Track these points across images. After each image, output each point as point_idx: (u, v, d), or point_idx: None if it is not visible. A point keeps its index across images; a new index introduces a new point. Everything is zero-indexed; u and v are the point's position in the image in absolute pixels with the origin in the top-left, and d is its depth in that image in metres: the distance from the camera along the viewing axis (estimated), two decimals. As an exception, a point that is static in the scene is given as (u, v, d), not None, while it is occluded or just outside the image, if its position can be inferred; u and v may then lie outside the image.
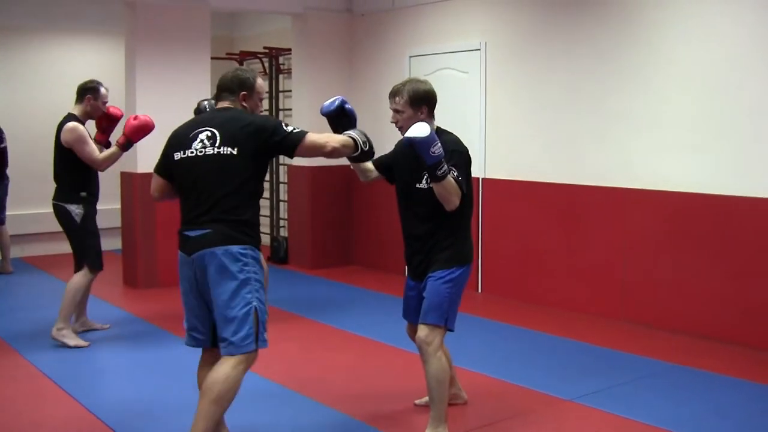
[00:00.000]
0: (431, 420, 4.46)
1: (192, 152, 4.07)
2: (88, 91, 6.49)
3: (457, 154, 4.44)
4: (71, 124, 6.32)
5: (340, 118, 4.44)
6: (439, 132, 4.53)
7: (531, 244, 7.93)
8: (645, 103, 6.92)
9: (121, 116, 6.79)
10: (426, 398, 4.94)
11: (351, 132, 4.30)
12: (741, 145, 6.32)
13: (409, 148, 4.25)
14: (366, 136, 4.32)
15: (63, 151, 6.35)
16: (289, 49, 10.25)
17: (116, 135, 6.50)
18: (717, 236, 6.49)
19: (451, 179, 4.29)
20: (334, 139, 4.21)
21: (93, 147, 6.36)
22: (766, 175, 6.18)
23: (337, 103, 4.43)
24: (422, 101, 4.50)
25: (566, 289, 7.60)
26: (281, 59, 11.08)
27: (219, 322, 3.99)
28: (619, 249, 7.15)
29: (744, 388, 5.44)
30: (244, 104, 4.19)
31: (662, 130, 6.81)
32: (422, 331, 4.44)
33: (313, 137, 4.11)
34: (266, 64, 11.26)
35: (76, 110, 6.48)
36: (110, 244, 10.37)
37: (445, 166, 4.24)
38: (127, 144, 6.32)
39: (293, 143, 4.05)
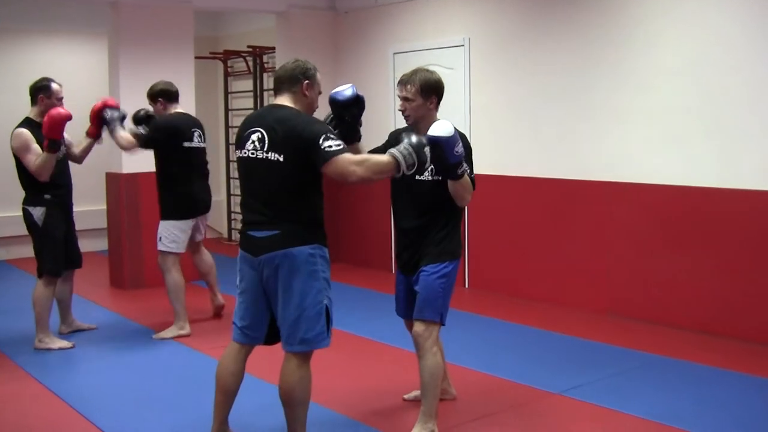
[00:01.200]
0: (421, 415, 4.46)
1: (245, 153, 4.05)
2: (40, 90, 6.33)
3: (466, 149, 4.41)
4: (18, 130, 6.22)
5: (351, 108, 4.44)
6: None
7: (518, 239, 7.95)
8: (630, 97, 6.94)
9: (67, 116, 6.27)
10: (415, 393, 4.96)
11: (396, 150, 3.99)
12: (727, 137, 6.34)
13: (433, 146, 4.11)
14: (413, 147, 4.01)
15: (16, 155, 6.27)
16: (273, 48, 10.24)
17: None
18: (704, 229, 6.51)
19: (467, 177, 4.31)
20: (365, 167, 3.91)
21: (33, 156, 6.16)
22: (752, 168, 6.21)
23: (350, 92, 4.41)
24: (432, 91, 4.47)
25: (553, 283, 7.62)
26: (265, 58, 11.08)
27: (288, 322, 4.03)
28: (606, 243, 7.18)
29: (730, 379, 5.47)
30: (306, 94, 4.10)
31: (648, 124, 6.83)
32: (418, 326, 4.45)
33: (341, 163, 3.86)
34: (250, 63, 11.25)
35: (32, 113, 6.35)
36: (96, 245, 10.37)
37: (465, 165, 4.24)
38: (51, 144, 6.07)
39: (322, 160, 3.87)
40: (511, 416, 4.87)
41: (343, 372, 5.78)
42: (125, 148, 6.58)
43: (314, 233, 4.05)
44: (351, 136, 4.52)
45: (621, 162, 7.03)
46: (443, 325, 4.53)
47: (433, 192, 4.43)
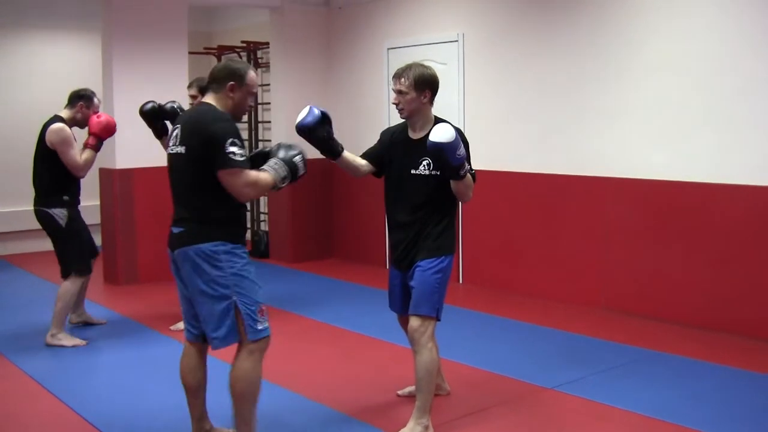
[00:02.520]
0: (416, 410, 4.45)
1: (170, 149, 4.06)
2: (82, 98, 6.41)
3: (464, 145, 4.40)
4: (58, 125, 6.24)
5: (323, 127, 4.41)
6: (437, 121, 4.54)
7: (511, 235, 7.96)
8: (622, 93, 6.95)
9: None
10: (409, 389, 4.97)
11: (271, 167, 4.03)
12: (717, 132, 6.36)
13: (433, 150, 4.17)
14: (284, 161, 4.07)
15: (46, 152, 6.25)
16: (267, 43, 10.23)
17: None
18: (694, 224, 6.53)
19: (470, 175, 4.33)
20: (256, 191, 3.98)
21: (77, 151, 6.28)
22: (742, 162, 6.23)
23: (317, 112, 4.40)
24: (426, 85, 4.46)
25: (547, 278, 7.63)
26: (259, 53, 11.06)
27: (201, 319, 4.02)
28: (598, 238, 7.19)
29: (722, 374, 5.49)
30: (231, 95, 4.01)
31: (641, 119, 6.84)
32: (415, 321, 4.45)
33: (240, 180, 3.84)
34: (244, 58, 11.23)
35: (64, 114, 6.40)
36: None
37: (467, 165, 4.25)
38: (99, 144, 6.36)
39: (222, 164, 3.82)
40: (505, 411, 4.88)
41: (337, 367, 5.78)
42: None
43: (219, 230, 3.93)
44: (334, 151, 4.52)
45: (614, 157, 7.04)
46: (439, 320, 4.53)
47: (430, 187, 4.43)
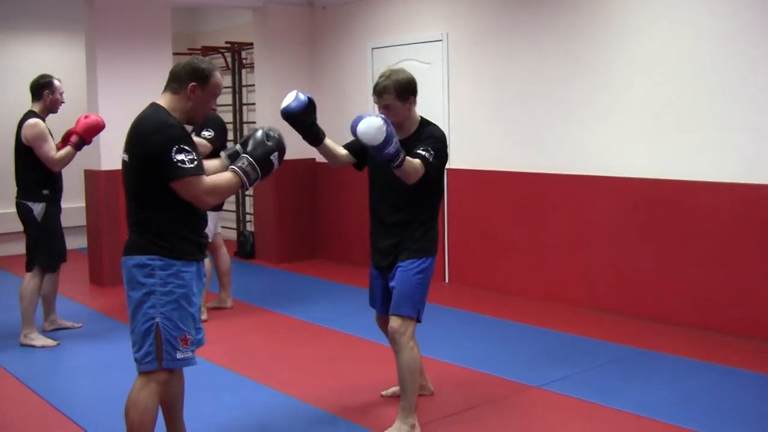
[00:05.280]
0: (401, 410, 4.47)
1: (122, 155, 3.84)
2: (45, 87, 6.40)
3: (433, 139, 4.43)
4: (32, 120, 6.25)
5: (308, 113, 4.34)
6: (422, 123, 4.57)
7: (497, 234, 7.98)
8: (606, 92, 6.98)
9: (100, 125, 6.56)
10: (393, 389, 4.97)
11: (238, 167, 3.71)
12: (701, 131, 6.39)
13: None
14: (256, 161, 3.74)
15: (23, 148, 6.27)
16: (252, 44, 10.23)
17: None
18: (681, 222, 6.55)
19: (409, 159, 4.21)
20: (217, 196, 3.69)
21: (51, 146, 6.26)
22: (726, 161, 6.26)
23: (304, 97, 4.32)
24: (408, 92, 4.46)
25: (532, 277, 7.66)
26: (243, 54, 11.05)
27: (130, 333, 3.76)
28: (583, 236, 7.22)
29: (707, 371, 5.52)
30: (191, 97, 3.70)
31: (623, 118, 6.87)
32: (395, 322, 4.45)
33: (195, 188, 3.58)
34: (228, 59, 11.22)
35: (35, 108, 6.39)
36: (75, 242, 10.29)
37: (401, 155, 4.12)
38: (80, 143, 6.32)
39: (172, 174, 3.54)
40: (490, 410, 4.89)
41: (323, 367, 5.79)
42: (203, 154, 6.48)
43: (158, 243, 3.65)
44: (317, 137, 4.46)
45: (598, 156, 7.06)
46: (419, 321, 4.54)
47: (411, 187, 4.42)
